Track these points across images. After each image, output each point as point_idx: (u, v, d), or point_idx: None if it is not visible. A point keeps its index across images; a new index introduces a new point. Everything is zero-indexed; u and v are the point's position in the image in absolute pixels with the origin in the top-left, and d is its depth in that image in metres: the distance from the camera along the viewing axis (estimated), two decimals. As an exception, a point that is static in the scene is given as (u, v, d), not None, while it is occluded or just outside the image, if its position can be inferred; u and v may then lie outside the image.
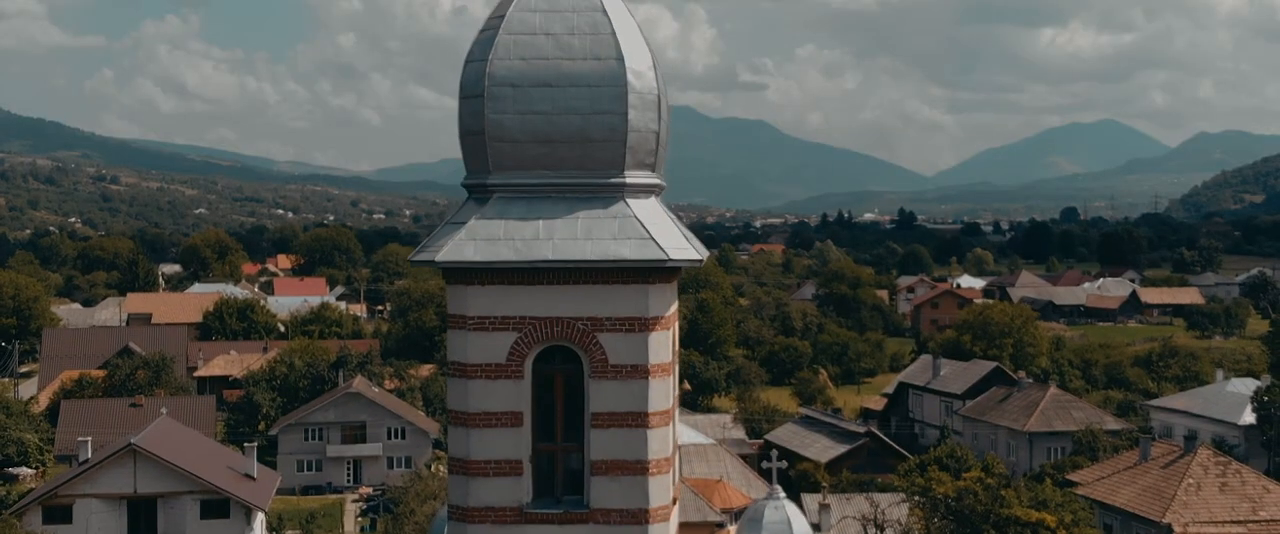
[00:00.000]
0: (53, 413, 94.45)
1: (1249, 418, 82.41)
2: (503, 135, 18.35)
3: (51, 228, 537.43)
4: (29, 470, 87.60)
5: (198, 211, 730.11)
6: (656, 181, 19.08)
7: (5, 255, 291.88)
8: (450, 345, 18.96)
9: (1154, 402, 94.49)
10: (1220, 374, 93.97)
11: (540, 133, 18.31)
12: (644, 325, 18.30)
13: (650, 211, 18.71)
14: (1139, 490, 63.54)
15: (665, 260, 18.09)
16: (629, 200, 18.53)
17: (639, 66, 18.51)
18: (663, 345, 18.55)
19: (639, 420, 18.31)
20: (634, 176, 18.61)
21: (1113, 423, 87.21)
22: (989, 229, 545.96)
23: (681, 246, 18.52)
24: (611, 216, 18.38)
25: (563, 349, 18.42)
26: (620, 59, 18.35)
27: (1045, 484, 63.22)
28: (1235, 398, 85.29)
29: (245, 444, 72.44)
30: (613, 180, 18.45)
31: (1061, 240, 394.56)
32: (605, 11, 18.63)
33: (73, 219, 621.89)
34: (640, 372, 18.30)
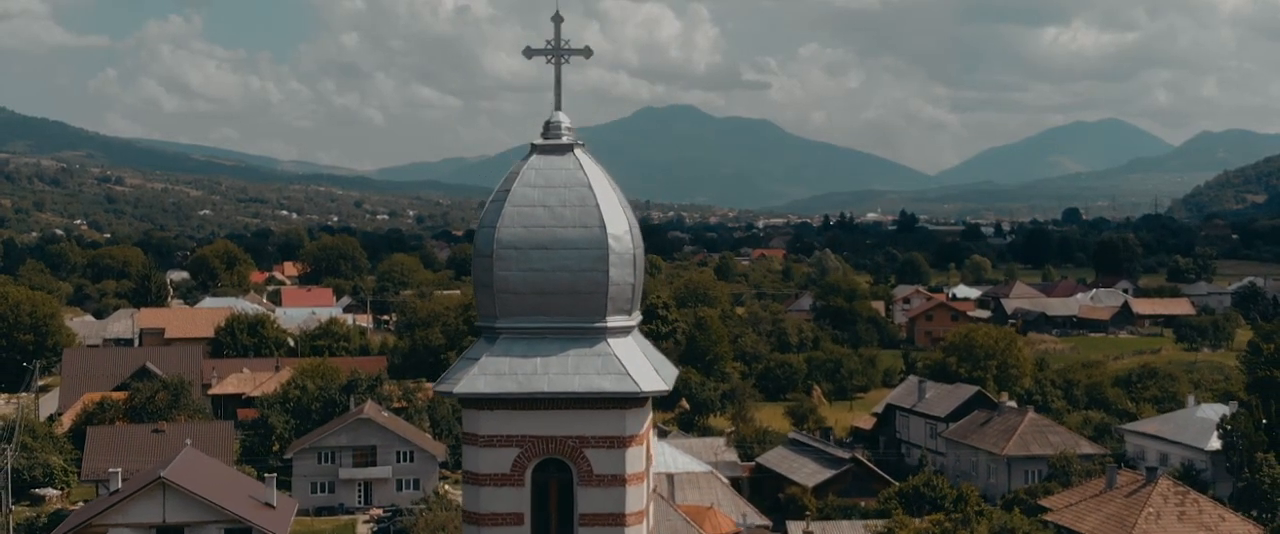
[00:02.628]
0: (76, 435, 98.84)
1: (1216, 443, 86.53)
2: (508, 288, 22.64)
3: (58, 230, 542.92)
4: (55, 492, 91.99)
5: (202, 213, 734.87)
6: (632, 323, 23.35)
7: (15, 263, 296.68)
8: (465, 458, 23.22)
9: (1128, 426, 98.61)
10: (1192, 399, 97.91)
11: (538, 286, 22.59)
12: (621, 443, 22.57)
13: (627, 348, 22.95)
14: (1103, 518, 67.72)
15: (638, 392, 22.38)
16: (610, 340, 22.80)
17: (618, 232, 22.79)
18: (637, 458, 22.83)
19: (618, 520, 22.61)
20: (614, 321, 22.88)
21: (1087, 447, 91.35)
22: (990, 231, 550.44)
23: (652, 379, 22.73)
24: (595, 355, 22.65)
25: (556, 461, 22.68)
26: (603, 226, 22.63)
27: (1014, 513, 67.35)
28: (1204, 423, 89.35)
29: (265, 475, 76.97)
30: (596, 325, 22.73)
31: (1060, 245, 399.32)
32: (590, 188, 22.91)
33: (78, 221, 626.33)
34: (619, 480, 22.58)
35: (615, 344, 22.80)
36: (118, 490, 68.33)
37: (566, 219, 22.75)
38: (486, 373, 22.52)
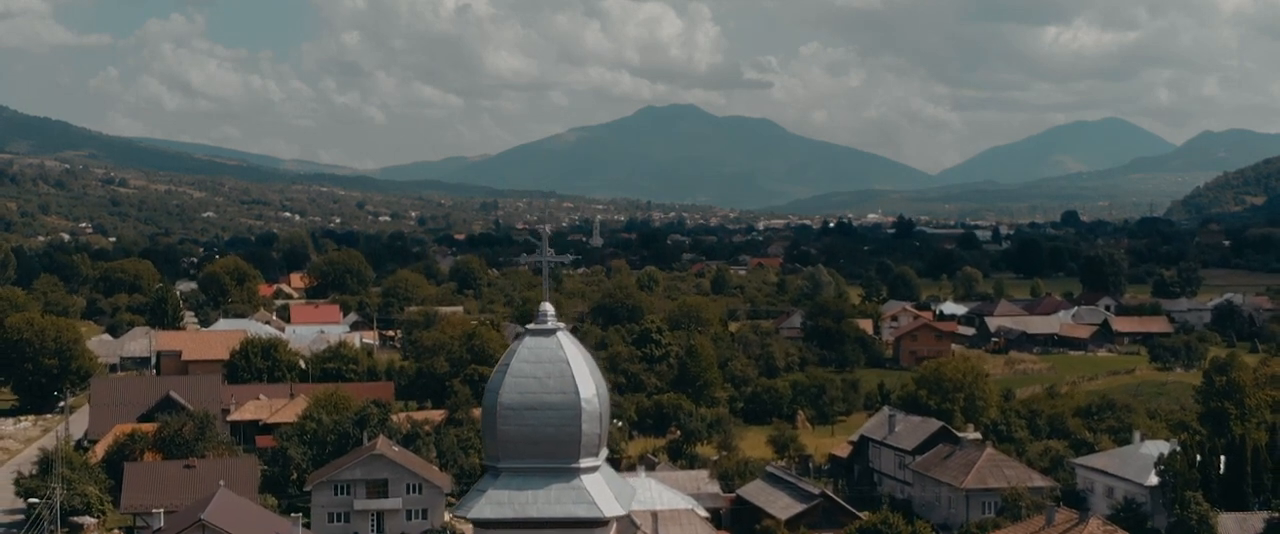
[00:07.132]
0: (109, 464, 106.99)
1: (1156, 478, 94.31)
2: (507, 438, 30.64)
3: (64, 235, 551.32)
4: (92, 519, 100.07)
5: (206, 215, 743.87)
6: (599, 462, 31.30)
7: (27, 274, 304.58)
8: (473, 564, 31.25)
9: (1078, 460, 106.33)
10: (1137, 436, 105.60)
11: (529, 437, 30.58)
12: (591, 553, 30.55)
13: (595, 483, 30.88)
14: (1040, 554, 75.49)
15: (602, 517, 30.41)
16: (582, 477, 30.76)
17: (588, 396, 30.75)
18: (604, 563, 30.82)
19: (589, 610, 30.61)
20: (585, 462, 30.84)
21: (1039, 480, 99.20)
22: (987, 235, 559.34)
23: (613, 507, 30.68)
24: (572, 488, 30.63)
25: (543, 567, 30.67)
26: (577, 393, 30.58)
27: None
28: (1146, 459, 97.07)
29: (292, 514, 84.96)
30: (572, 466, 30.71)
31: (1051, 255, 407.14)
32: (568, 363, 30.87)
33: (83, 224, 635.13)
34: (590, 581, 30.56)
35: (586, 480, 30.77)
36: (160, 529, 76.18)
37: (550, 387, 30.72)
38: (491, 502, 30.54)
